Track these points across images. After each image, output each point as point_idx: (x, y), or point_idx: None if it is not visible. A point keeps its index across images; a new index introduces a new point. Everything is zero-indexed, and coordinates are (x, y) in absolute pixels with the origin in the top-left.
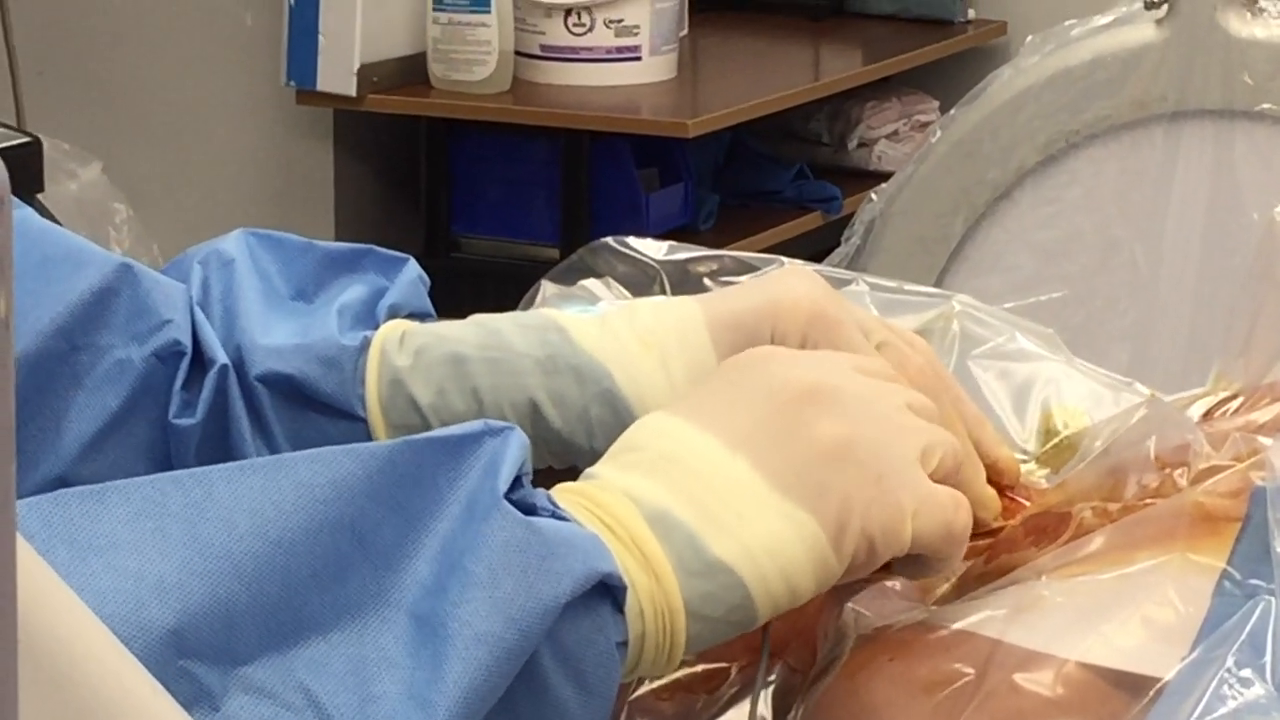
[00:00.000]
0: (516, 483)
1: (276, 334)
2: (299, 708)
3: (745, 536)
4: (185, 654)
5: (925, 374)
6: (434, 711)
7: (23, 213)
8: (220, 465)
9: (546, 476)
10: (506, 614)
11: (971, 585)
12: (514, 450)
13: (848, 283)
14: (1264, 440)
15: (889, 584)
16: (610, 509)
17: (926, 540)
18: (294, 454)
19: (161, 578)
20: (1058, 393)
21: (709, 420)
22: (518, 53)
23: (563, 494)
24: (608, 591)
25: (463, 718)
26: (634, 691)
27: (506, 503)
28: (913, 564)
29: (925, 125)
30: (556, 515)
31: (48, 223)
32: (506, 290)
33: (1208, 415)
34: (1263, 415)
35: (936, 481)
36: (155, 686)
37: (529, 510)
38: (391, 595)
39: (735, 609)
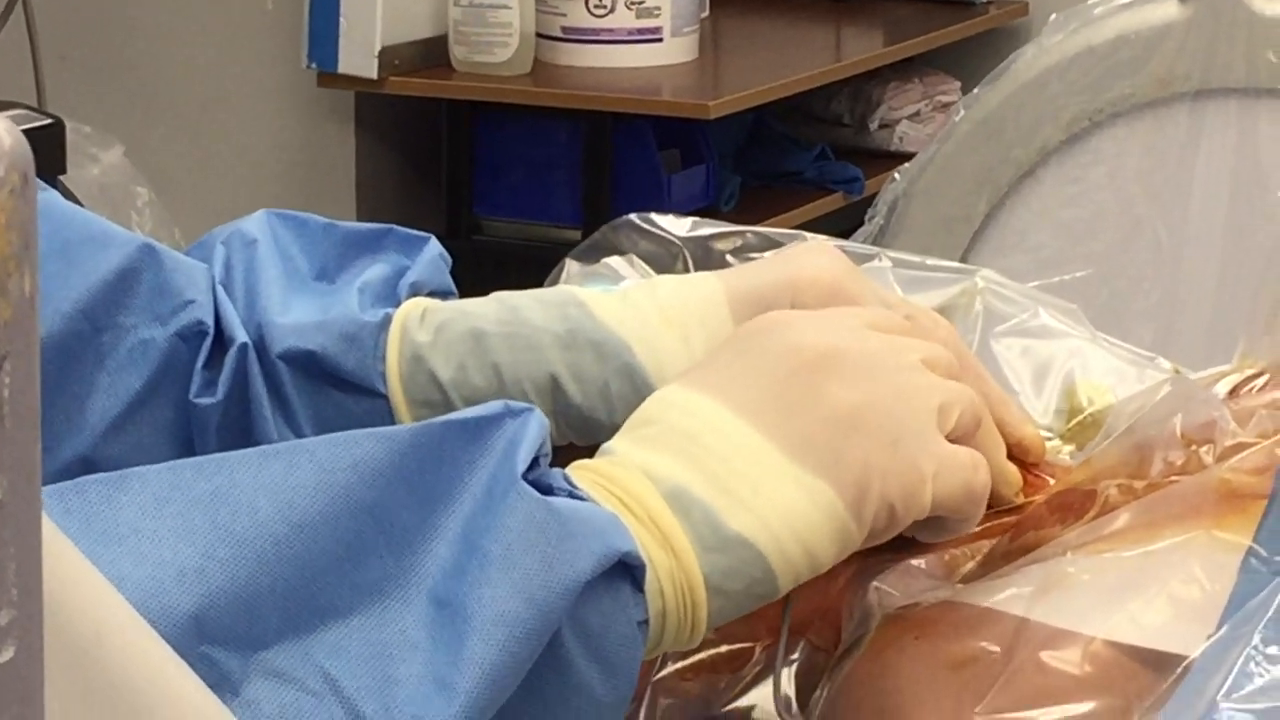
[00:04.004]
0: (534, 463)
1: (297, 312)
2: (319, 692)
3: (763, 509)
4: (206, 639)
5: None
6: (455, 693)
7: (46, 195)
8: (240, 451)
9: (567, 453)
10: (526, 594)
11: (997, 563)
12: (533, 431)
13: (870, 258)
14: None
15: (914, 562)
16: (627, 487)
17: (947, 502)
18: (314, 438)
19: (182, 563)
20: (1082, 369)
21: (722, 391)
22: (539, 35)
23: (579, 471)
24: (627, 570)
25: (484, 699)
26: (658, 672)
27: (524, 483)
28: (933, 526)
29: (947, 106)
30: (574, 495)
31: (70, 205)
32: (528, 272)
33: (1233, 392)
34: None
35: (956, 437)
36: (180, 664)
37: (546, 490)
38: (411, 578)
39: (756, 582)
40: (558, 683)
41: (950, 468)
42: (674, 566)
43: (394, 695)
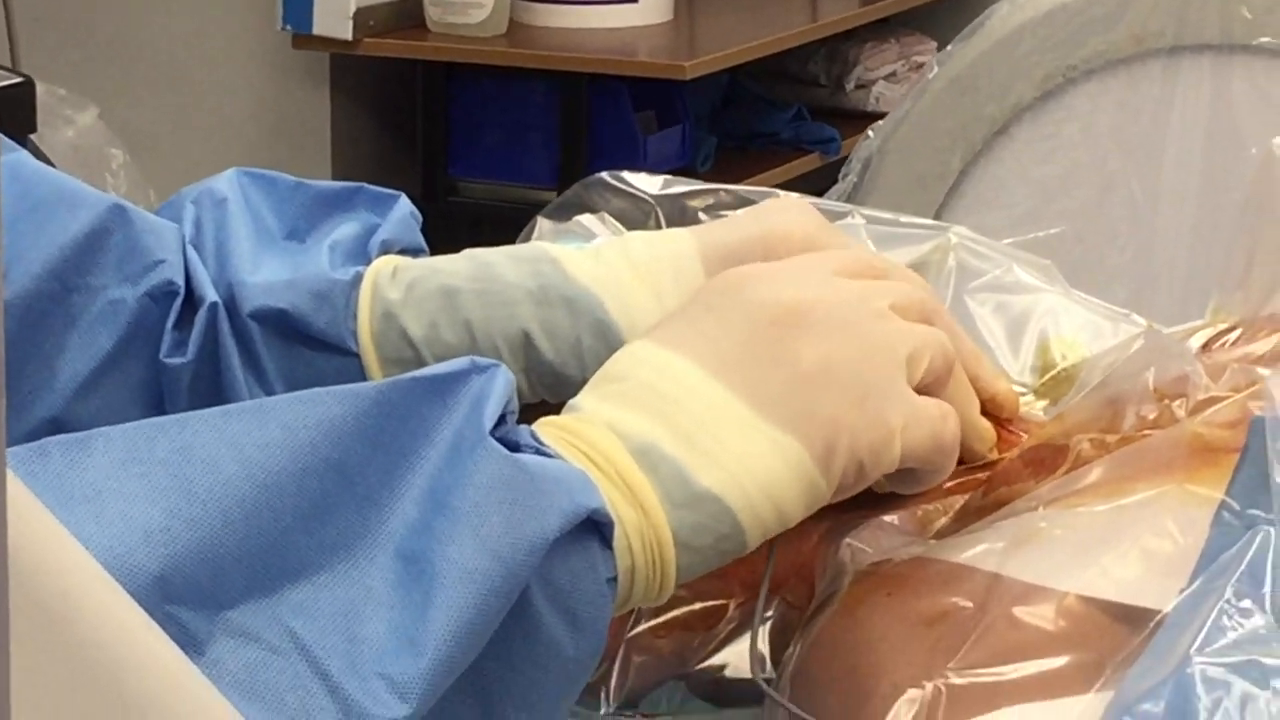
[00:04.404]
0: (501, 420)
1: (268, 271)
2: (285, 651)
3: (731, 465)
4: (171, 599)
5: None
6: (422, 650)
7: (15, 155)
8: (205, 410)
9: (537, 410)
10: (493, 551)
11: (970, 518)
12: (500, 387)
13: (843, 215)
14: (1262, 371)
15: (887, 518)
16: (595, 443)
17: (916, 454)
18: (280, 396)
19: (147, 524)
20: (1055, 324)
21: (690, 347)
22: None
23: (546, 428)
24: (595, 527)
25: (451, 656)
26: (631, 629)
27: (492, 439)
28: (905, 477)
29: (923, 66)
30: (541, 452)
31: (40, 165)
32: (504, 233)
33: (1206, 347)
34: (1261, 346)
35: (928, 383)
36: (150, 624)
37: (513, 447)
38: (378, 535)
39: (724, 538)
40: (526, 640)
41: (919, 420)
42: (642, 523)
43: (360, 653)
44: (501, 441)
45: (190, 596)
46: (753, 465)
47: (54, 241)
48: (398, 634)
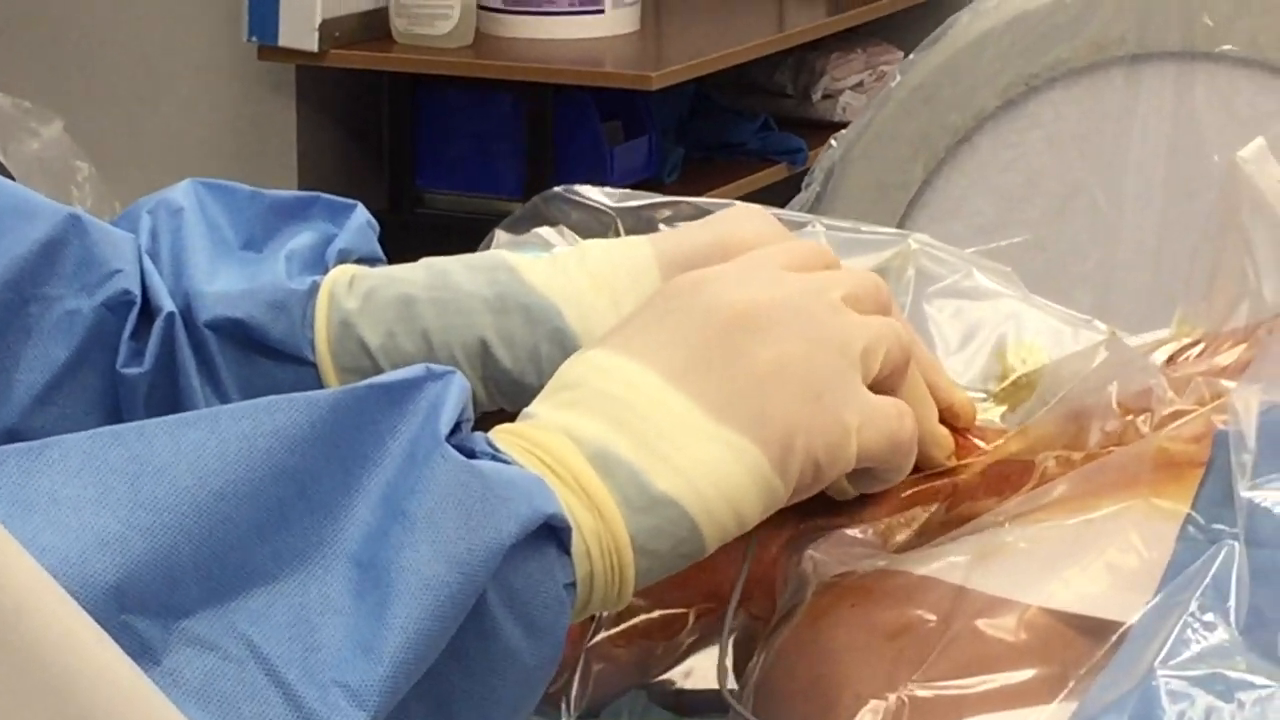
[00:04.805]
0: (457, 428)
1: (225, 281)
2: (241, 659)
3: (687, 468)
4: (126, 609)
5: None
6: (378, 657)
7: None
8: (160, 419)
9: (493, 419)
10: (450, 557)
11: (934, 533)
12: (455, 394)
13: (803, 225)
14: (1227, 383)
15: (850, 531)
16: (551, 449)
17: (873, 453)
18: (235, 405)
19: (103, 532)
20: (1017, 330)
21: (643, 352)
22: (480, 6)
23: (501, 435)
24: (553, 533)
25: (408, 663)
26: (591, 638)
27: (448, 446)
28: (863, 477)
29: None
30: (497, 458)
31: None
32: (471, 244)
33: (1171, 360)
34: (1225, 358)
35: (885, 376)
36: (104, 638)
37: (469, 454)
38: (334, 542)
39: (683, 541)
40: (483, 647)
41: (875, 419)
42: (600, 528)
43: (317, 660)
44: (457, 448)
45: (146, 605)
46: (709, 469)
47: (10, 252)
48: (355, 641)
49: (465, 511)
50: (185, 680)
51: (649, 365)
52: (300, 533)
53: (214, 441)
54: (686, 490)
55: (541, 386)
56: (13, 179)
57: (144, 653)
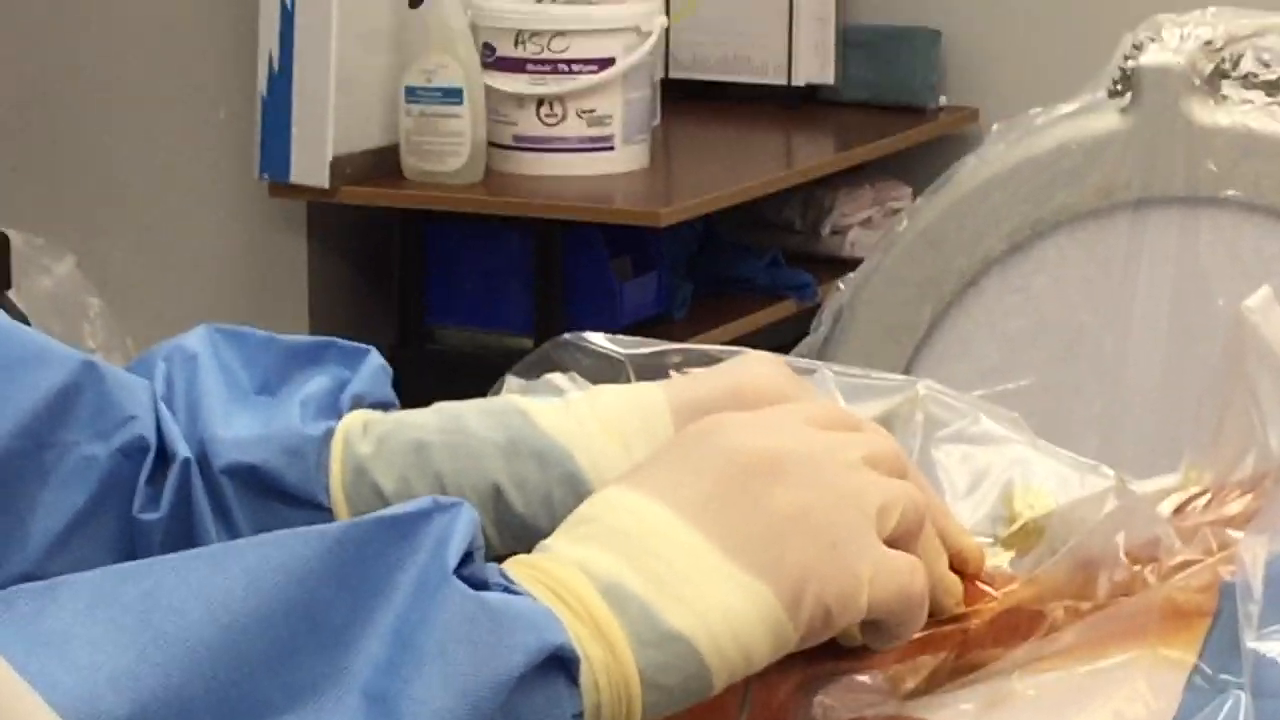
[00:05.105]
0: (468, 558)
1: (240, 426)
2: None
3: (699, 606)
4: None
5: None
6: None
7: None
8: (169, 555)
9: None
10: (459, 689)
11: (942, 680)
12: (463, 525)
13: (812, 372)
14: (1234, 533)
15: (859, 677)
16: (563, 581)
17: (884, 605)
18: (244, 540)
19: (115, 669)
20: (1024, 475)
21: (662, 491)
22: (490, 143)
23: (515, 566)
24: (562, 664)
25: None
26: None
27: (456, 578)
28: (873, 630)
29: (898, 212)
30: (508, 589)
31: (10, 322)
32: (480, 382)
33: (1178, 510)
34: (1232, 509)
35: (899, 535)
36: None
37: (480, 585)
38: (344, 676)
39: (691, 678)
40: None
41: (888, 572)
42: (609, 661)
43: None
44: (469, 579)
45: None
46: (721, 608)
47: (25, 399)
48: None
49: (473, 644)
50: None
51: (666, 503)
52: (311, 666)
53: (222, 577)
54: (697, 628)
55: (553, 530)
56: (25, 317)
57: None
